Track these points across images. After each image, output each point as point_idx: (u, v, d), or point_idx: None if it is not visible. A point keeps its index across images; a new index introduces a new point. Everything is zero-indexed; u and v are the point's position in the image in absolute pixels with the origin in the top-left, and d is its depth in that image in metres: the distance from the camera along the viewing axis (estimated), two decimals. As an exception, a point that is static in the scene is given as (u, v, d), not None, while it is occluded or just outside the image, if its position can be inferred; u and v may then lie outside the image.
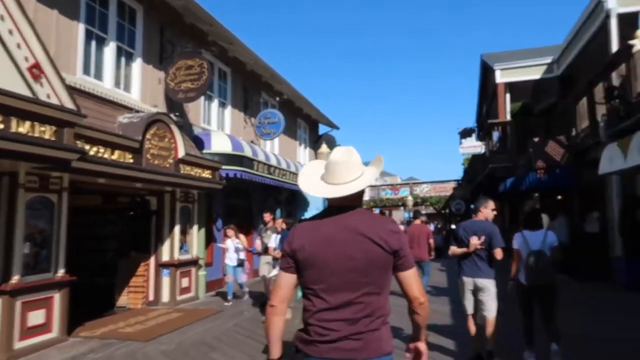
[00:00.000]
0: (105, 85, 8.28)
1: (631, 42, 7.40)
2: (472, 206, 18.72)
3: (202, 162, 9.58)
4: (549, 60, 15.38)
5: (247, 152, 11.13)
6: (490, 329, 4.83)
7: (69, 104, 5.89)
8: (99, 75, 8.24)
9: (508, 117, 16.64)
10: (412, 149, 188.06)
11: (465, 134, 22.43)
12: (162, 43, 9.74)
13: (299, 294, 2.48)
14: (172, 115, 9.03)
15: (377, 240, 1.95)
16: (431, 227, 18.89)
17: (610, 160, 8.78)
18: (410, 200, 27.23)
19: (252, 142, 12.77)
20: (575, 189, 12.51)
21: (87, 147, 6.37)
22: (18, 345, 5.87)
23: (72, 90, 6.31)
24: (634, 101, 8.94)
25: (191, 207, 10.17)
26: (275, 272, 7.53)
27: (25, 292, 5.99)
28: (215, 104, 12.03)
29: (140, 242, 9.51)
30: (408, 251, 2.03)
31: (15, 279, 5.86)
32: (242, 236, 9.81)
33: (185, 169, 9.02)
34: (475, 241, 4.82)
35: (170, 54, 9.81)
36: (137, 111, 8.52)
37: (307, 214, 16.82)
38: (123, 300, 9.35)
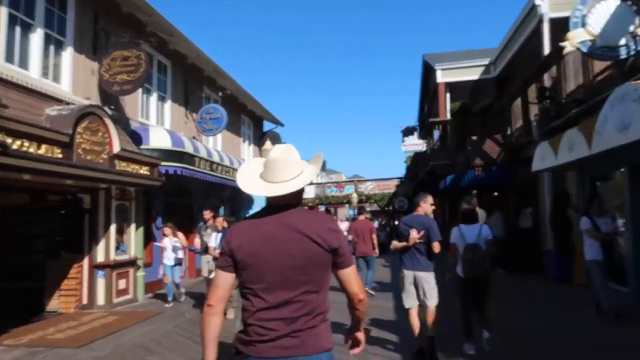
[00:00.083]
0: (32, 75, 7.75)
1: (562, 44, 7.76)
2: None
3: (140, 158, 9.20)
4: (486, 61, 15.99)
5: (188, 148, 10.81)
6: (431, 317, 4.99)
7: (-14, 92, 5.43)
8: (24, 64, 7.70)
9: (448, 116, 17.18)
10: (357, 147, 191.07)
11: (407, 132, 22.94)
12: (95, 32, 9.23)
13: None
14: (106, 109, 8.58)
15: (316, 239, 1.95)
16: (375, 224, 19.16)
17: (542, 158, 9.22)
18: (355, 198, 27.57)
19: (193, 138, 12.43)
20: (510, 186, 13.07)
21: (9, 140, 5.89)
22: None
23: (-9, 79, 5.82)
24: (564, 101, 9.44)
25: (128, 205, 9.77)
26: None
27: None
28: (154, 97, 11.59)
29: (73, 243, 9.06)
30: (347, 249, 2.04)
31: None
32: (180, 234, 9.53)
33: (121, 165, 8.62)
34: (414, 235, 4.93)
35: (105, 44, 9.33)
36: (68, 103, 8.01)
37: (252, 212, 16.60)
38: (54, 304, 8.86)
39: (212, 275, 7.82)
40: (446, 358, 5.01)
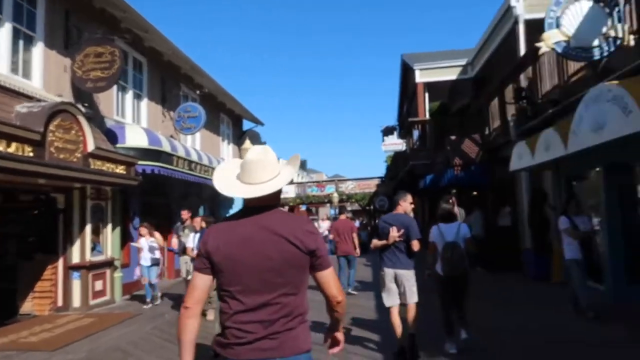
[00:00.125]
0: (0, 71, 7.50)
1: (537, 44, 7.85)
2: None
3: (116, 157, 9.01)
4: (464, 62, 16.15)
5: (166, 146, 10.62)
6: (411, 314, 5.01)
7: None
8: (-8, 60, 7.45)
9: (427, 116, 17.30)
10: (338, 146, 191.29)
11: (387, 131, 22.95)
12: (67, 27, 8.97)
13: None
14: (79, 106, 8.37)
15: (293, 240, 1.94)
16: (356, 223, 19.19)
17: (520, 157, 9.32)
18: (336, 197, 27.59)
19: (171, 136, 12.24)
20: (489, 185, 13.22)
21: (-24, 138, 5.70)
22: None
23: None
24: (540, 102, 9.58)
25: (104, 205, 9.57)
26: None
27: None
28: (129, 95, 11.36)
29: (47, 243, 8.87)
30: (325, 251, 2.03)
31: None
32: (157, 234, 9.37)
33: (96, 164, 8.42)
34: (394, 233, 4.94)
35: (78, 39, 9.08)
36: (39, 100, 7.79)
37: (232, 212, 16.43)
38: (27, 307, 8.65)
39: (190, 277, 7.69)
40: (427, 357, 5.01)
